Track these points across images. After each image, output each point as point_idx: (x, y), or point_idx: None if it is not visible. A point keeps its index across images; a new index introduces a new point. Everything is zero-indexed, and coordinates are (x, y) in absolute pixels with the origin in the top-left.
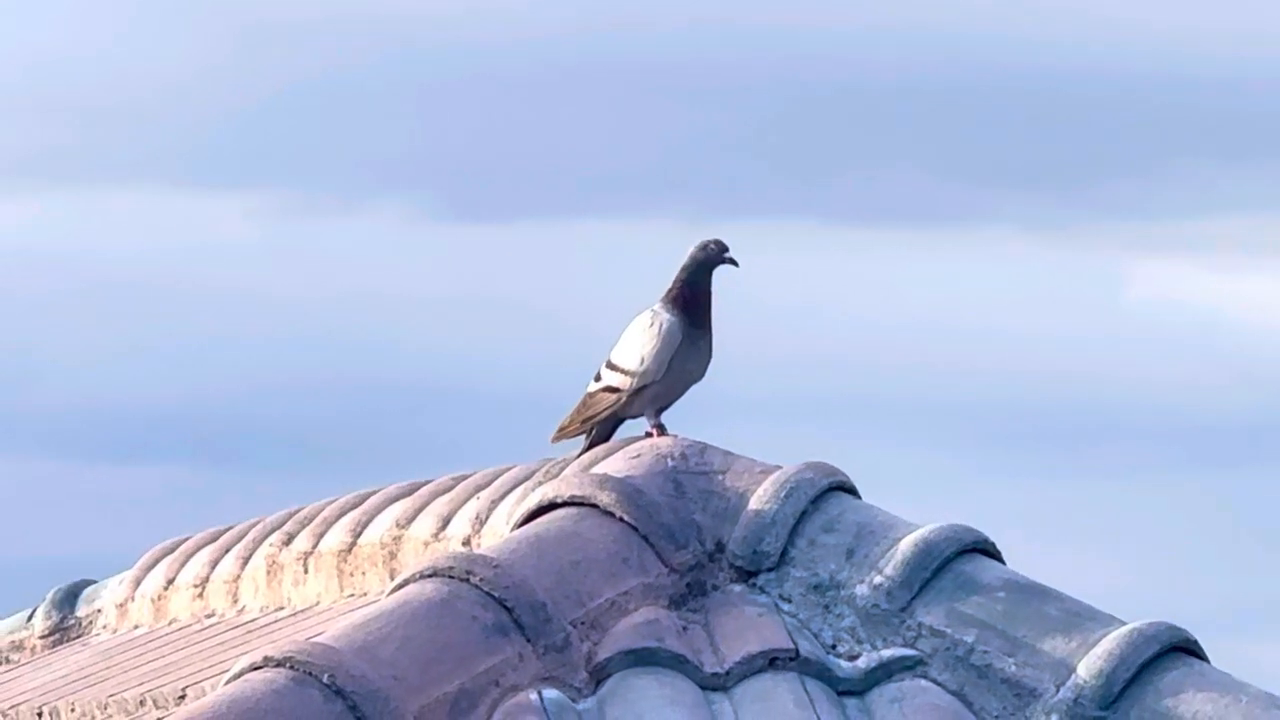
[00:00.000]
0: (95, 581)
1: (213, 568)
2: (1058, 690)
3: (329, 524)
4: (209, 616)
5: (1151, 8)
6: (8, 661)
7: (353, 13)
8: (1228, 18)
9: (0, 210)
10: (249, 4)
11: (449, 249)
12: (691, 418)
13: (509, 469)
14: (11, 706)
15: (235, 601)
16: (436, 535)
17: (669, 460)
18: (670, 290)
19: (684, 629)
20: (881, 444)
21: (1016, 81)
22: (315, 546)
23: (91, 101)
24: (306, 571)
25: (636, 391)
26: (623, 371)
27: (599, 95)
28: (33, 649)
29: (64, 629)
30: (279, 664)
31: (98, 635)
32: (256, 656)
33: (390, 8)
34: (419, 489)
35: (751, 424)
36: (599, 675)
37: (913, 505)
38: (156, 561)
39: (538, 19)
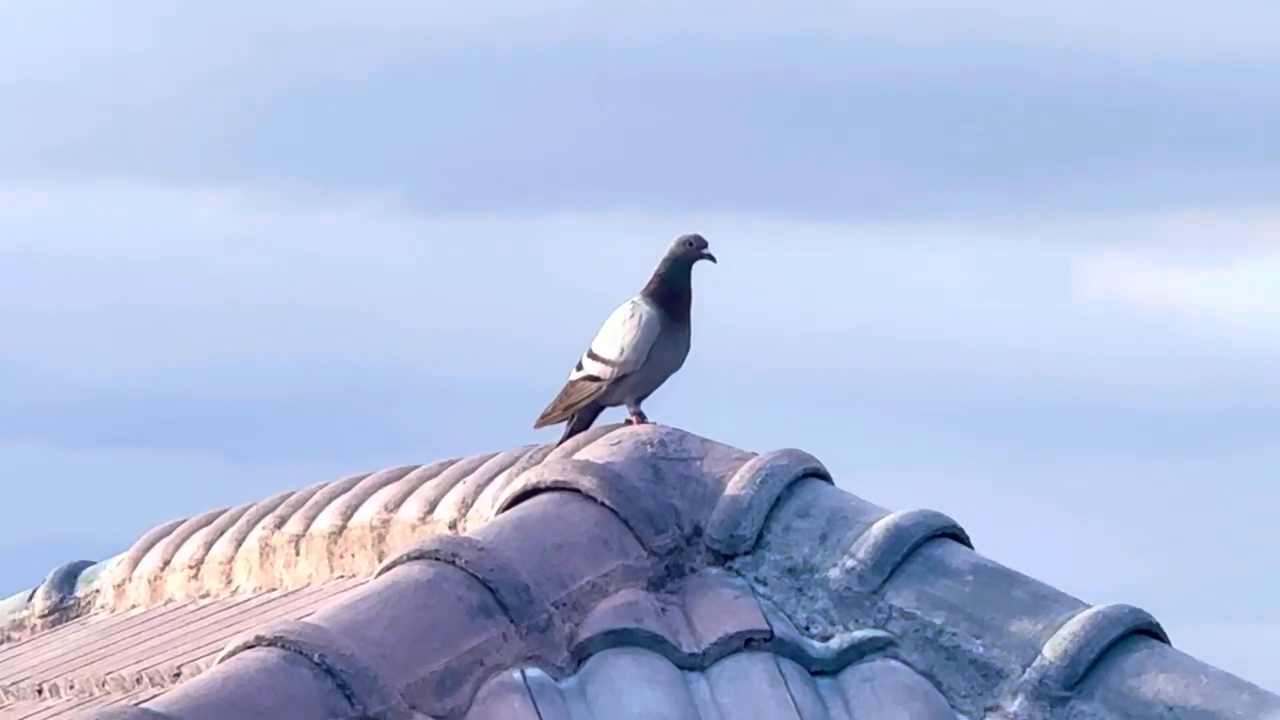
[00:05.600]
0: (94, 563)
1: (207, 550)
2: (1024, 671)
3: (320, 508)
4: (204, 597)
5: (1105, 11)
6: (9, 640)
7: (337, 19)
8: (1181, 21)
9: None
10: (245, 15)
11: (426, 241)
12: (668, 405)
13: (494, 455)
14: (13, 683)
15: (229, 582)
16: (424, 519)
17: (648, 447)
18: (650, 283)
19: (662, 610)
20: (845, 430)
21: (970, 79)
22: (306, 529)
23: (88, 103)
24: (298, 554)
25: (617, 380)
26: (604, 361)
27: (567, 92)
28: (33, 628)
29: (63, 608)
30: (271, 643)
31: (96, 615)
32: (249, 636)
33: (372, 12)
34: (407, 474)
35: (722, 410)
36: (580, 655)
37: (880, 491)
38: (153, 544)
39: (511, 17)
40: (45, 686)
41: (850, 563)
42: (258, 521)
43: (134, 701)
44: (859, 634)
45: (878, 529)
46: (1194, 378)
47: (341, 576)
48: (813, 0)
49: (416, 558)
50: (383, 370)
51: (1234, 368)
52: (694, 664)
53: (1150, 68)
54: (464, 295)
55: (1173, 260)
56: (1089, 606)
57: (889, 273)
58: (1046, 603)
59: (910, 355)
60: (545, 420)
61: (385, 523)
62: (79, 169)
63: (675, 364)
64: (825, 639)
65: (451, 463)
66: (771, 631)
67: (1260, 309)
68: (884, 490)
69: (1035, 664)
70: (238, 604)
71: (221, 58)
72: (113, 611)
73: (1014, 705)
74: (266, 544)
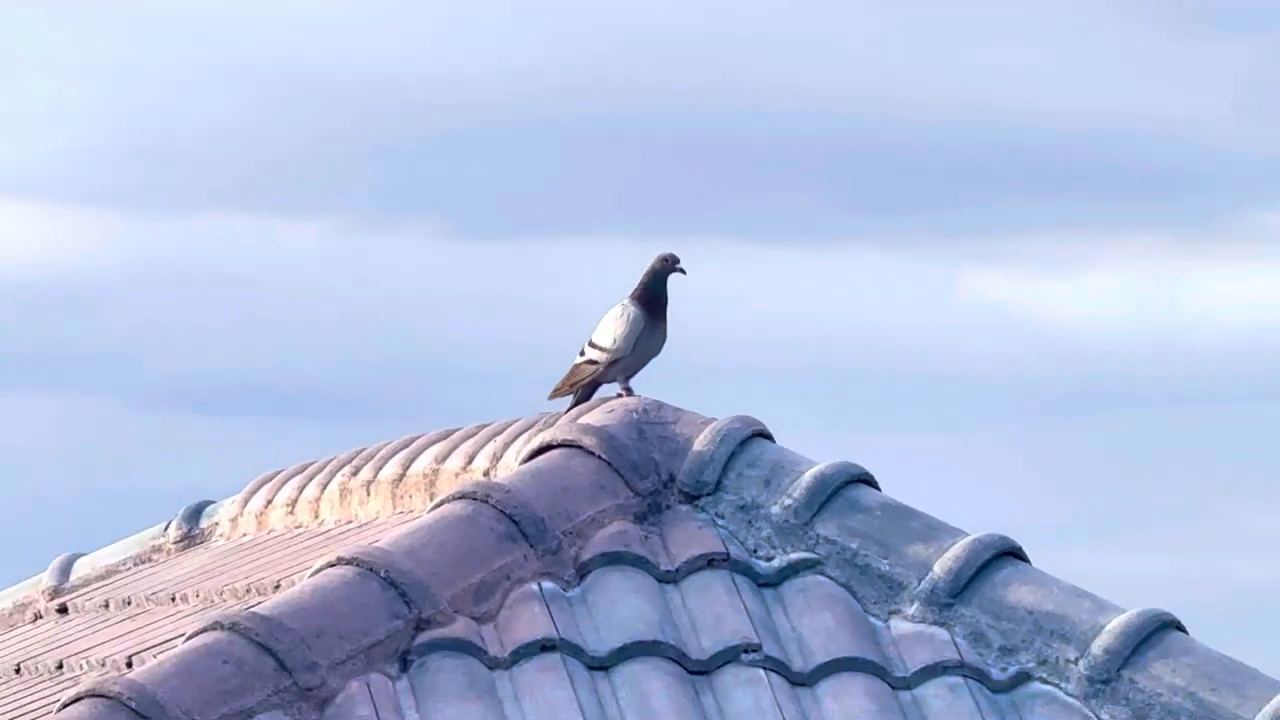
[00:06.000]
0: (214, 502)
1: (300, 491)
2: (919, 583)
3: (385, 460)
4: (297, 528)
5: (978, 80)
6: (150, 561)
7: (404, 95)
8: (1036, 88)
9: (156, 229)
10: (336, 96)
11: (467, 259)
12: (651, 382)
13: (517, 420)
14: (152, 593)
15: (316, 517)
16: (464, 468)
17: (635, 414)
18: (636, 290)
19: (645, 538)
20: (785, 402)
21: (878, 135)
22: (375, 476)
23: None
24: (369, 495)
25: (611, 364)
26: (600, 349)
27: (575, 146)
28: (167, 551)
29: (191, 537)
30: (348, 563)
31: (216, 541)
32: (332, 557)
33: (430, 90)
34: (451, 434)
35: (691, 386)
36: (582, 571)
37: (810, 448)
38: (259, 487)
39: (533, 91)
40: (177, 596)
41: (787, 501)
42: (338, 470)
43: (245, 606)
44: (794, 556)
45: (808, 476)
46: (1049, 365)
47: (402, 513)
48: (759, 80)
49: (459, 498)
50: (433, 357)
51: (1079, 357)
52: (669, 578)
53: (1015, 123)
54: (495, 299)
55: (1032, 273)
56: (969, 535)
57: (817, 282)
58: (937, 532)
59: (832, 347)
60: (556, 394)
61: (435, 471)
62: (212, 205)
63: (655, 351)
64: (769, 559)
65: (485, 426)
66: (728, 553)
67: (1099, 313)
68: (813, 447)
69: (928, 578)
70: (323, 533)
71: (319, 124)
72: (228, 539)
73: (911, 609)
74: (345, 488)
